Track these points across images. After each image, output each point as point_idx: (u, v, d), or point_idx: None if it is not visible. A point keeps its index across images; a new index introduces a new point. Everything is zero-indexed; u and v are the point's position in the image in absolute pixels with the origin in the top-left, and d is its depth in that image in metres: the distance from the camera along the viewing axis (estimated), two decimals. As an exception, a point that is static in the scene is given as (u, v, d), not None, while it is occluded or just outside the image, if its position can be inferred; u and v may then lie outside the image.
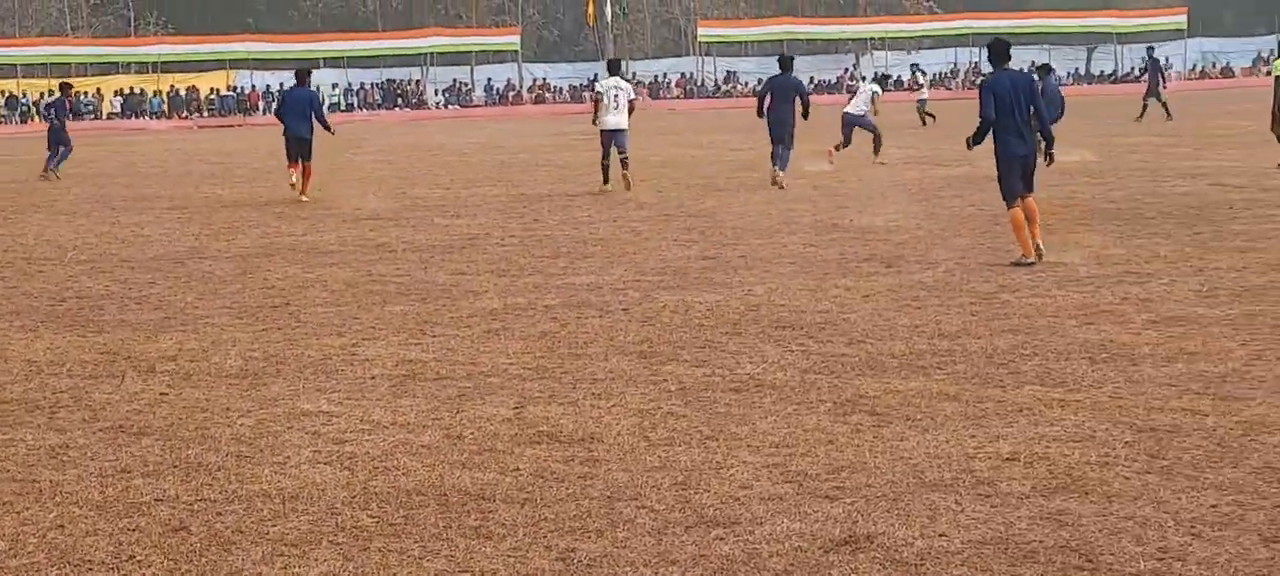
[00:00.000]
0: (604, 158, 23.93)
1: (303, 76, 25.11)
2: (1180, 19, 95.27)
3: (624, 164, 23.66)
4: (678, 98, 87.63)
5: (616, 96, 23.55)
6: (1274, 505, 6.27)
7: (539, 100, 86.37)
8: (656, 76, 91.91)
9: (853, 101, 29.40)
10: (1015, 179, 14.03)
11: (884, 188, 22.80)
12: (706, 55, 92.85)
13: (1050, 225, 16.78)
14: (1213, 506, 6.29)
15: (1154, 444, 7.34)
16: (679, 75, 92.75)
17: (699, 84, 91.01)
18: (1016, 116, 14.00)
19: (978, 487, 6.68)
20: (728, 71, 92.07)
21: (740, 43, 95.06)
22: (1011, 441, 7.47)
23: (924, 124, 45.76)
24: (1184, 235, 15.63)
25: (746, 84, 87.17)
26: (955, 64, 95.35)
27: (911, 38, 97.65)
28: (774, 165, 23.38)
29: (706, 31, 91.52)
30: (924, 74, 66.12)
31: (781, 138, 23.26)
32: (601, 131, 23.91)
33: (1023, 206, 14.00)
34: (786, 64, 24.45)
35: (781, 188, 22.73)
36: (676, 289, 13.03)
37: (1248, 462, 6.97)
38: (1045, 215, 17.83)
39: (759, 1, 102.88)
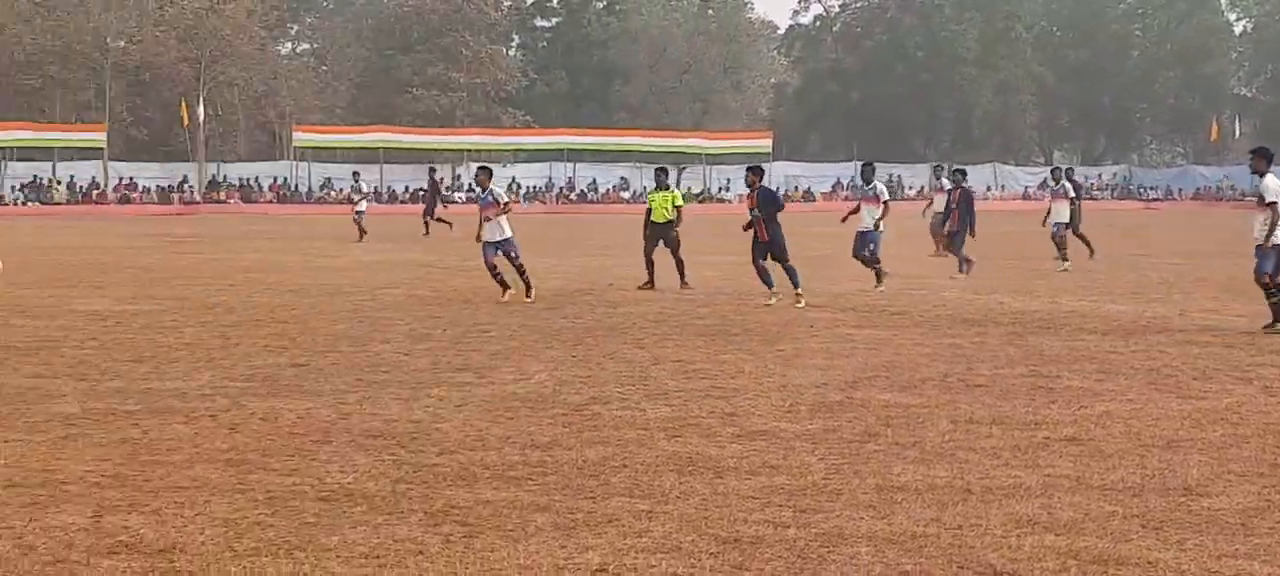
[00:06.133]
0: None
1: None
2: (765, 143, 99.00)
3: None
4: (271, 201, 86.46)
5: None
6: (851, 614, 6.47)
7: (124, 200, 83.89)
8: (249, 180, 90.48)
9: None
10: None
11: (480, 298, 22.85)
12: (301, 160, 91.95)
13: (642, 340, 17.13)
14: (793, 616, 6.45)
15: (738, 555, 7.50)
16: (273, 179, 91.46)
17: (293, 189, 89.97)
18: None
19: (568, 599, 6.70)
20: (325, 177, 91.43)
21: (336, 149, 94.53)
22: (600, 552, 7.52)
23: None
24: (767, 353, 16.12)
25: (340, 189, 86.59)
26: (550, 177, 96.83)
27: (506, 150, 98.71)
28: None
29: (301, 137, 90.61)
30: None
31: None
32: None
33: None
34: None
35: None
36: (266, 396, 12.76)
37: (826, 573, 7.19)
38: (637, 331, 18.22)
39: (356, 108, 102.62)
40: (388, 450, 10.26)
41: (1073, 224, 31.85)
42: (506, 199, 23.63)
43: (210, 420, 11.48)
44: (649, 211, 25.77)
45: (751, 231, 22.25)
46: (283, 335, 17.62)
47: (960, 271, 27.80)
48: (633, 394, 13.03)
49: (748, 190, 22.84)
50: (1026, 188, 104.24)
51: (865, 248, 25.09)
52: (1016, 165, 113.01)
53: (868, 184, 25.87)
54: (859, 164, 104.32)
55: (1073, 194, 31.89)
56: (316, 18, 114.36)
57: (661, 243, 25.34)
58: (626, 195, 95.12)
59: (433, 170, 54.49)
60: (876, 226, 25.00)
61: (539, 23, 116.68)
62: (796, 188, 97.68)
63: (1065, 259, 30.42)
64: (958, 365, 15.02)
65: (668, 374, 14.35)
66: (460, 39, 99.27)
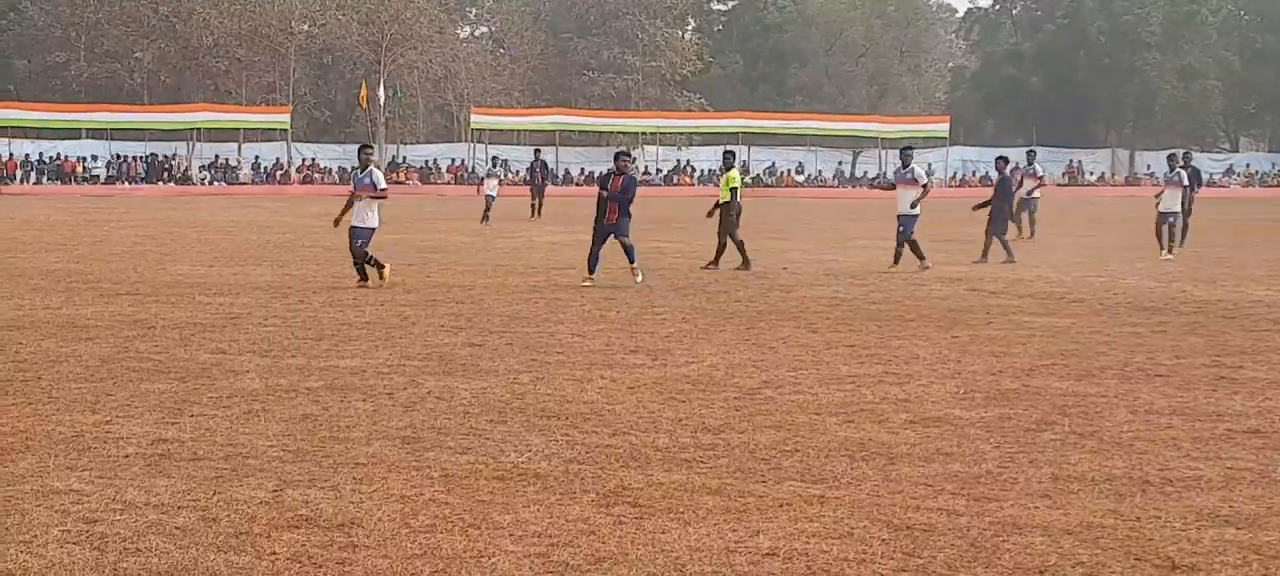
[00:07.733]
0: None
1: None
2: (942, 127, 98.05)
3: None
4: (449, 183, 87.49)
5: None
6: (1024, 604, 6.40)
7: (307, 180, 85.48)
8: (428, 162, 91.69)
9: None
10: None
11: (653, 279, 22.92)
12: (479, 142, 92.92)
13: (815, 324, 17.07)
14: (965, 605, 6.40)
15: (909, 542, 7.46)
16: (450, 161, 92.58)
17: (470, 170, 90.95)
18: None
19: (738, 582, 6.71)
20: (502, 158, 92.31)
21: (513, 131, 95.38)
22: (771, 536, 7.53)
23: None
24: (942, 338, 16.00)
25: (517, 172, 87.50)
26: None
27: (682, 133, 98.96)
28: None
29: (479, 119, 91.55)
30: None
31: None
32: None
33: None
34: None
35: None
36: (442, 375, 12.93)
37: (1000, 563, 7.13)
38: (810, 315, 18.17)
39: (532, 91, 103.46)
40: (561, 430, 10.35)
41: (1185, 212, 31.03)
42: (385, 186, 22.26)
43: (388, 398, 11.67)
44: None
45: (598, 213, 22.63)
46: (459, 315, 17.85)
47: (983, 258, 27.65)
48: (805, 378, 13.00)
49: (617, 173, 22.95)
50: (1211, 175, 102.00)
51: (903, 229, 25.89)
52: (1201, 152, 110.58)
53: (906, 167, 26.72)
54: (1031, 148, 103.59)
55: (1186, 181, 30.96)
56: (495, 1, 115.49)
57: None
58: (802, 178, 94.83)
59: (538, 152, 56.07)
60: (912, 208, 25.86)
61: (715, 6, 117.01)
62: (974, 172, 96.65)
63: (1169, 251, 29.51)
64: (1137, 354, 14.77)
65: (841, 358, 14.30)
66: (636, 22, 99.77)
